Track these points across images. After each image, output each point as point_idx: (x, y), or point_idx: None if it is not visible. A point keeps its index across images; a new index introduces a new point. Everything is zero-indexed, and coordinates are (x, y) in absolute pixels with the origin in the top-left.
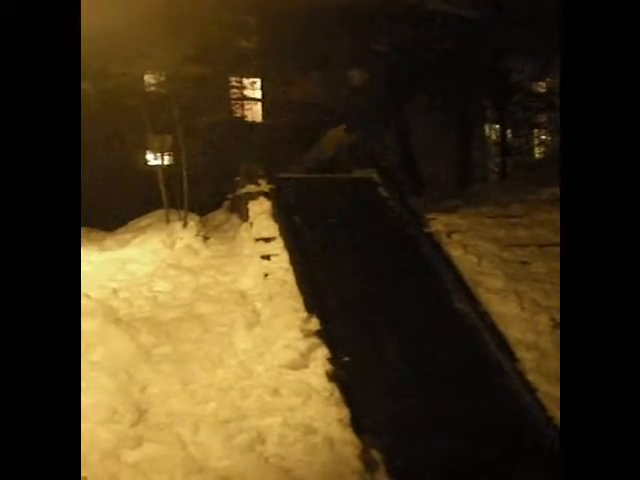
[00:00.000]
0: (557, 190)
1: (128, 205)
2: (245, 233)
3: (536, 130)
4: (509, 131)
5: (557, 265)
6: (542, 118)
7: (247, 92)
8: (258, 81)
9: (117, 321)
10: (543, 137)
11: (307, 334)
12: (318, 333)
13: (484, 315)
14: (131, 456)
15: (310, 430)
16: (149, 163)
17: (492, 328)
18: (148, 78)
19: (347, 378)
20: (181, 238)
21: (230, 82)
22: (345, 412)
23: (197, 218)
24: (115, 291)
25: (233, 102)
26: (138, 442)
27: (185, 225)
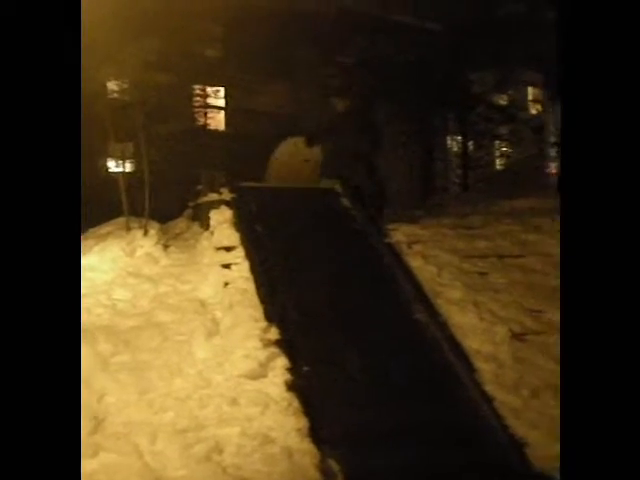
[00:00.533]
0: (516, 202)
1: (88, 212)
2: (206, 242)
3: (497, 142)
4: (471, 143)
5: (516, 276)
6: (503, 130)
7: (210, 100)
8: (222, 90)
9: None
10: (504, 149)
11: (267, 344)
12: (278, 343)
13: (443, 326)
14: (88, 465)
15: (268, 440)
16: (110, 170)
17: (451, 339)
18: (111, 85)
19: (306, 388)
20: (141, 246)
21: (194, 90)
22: (303, 422)
23: (158, 226)
24: None
25: (196, 110)
26: (95, 451)
27: (146, 233)
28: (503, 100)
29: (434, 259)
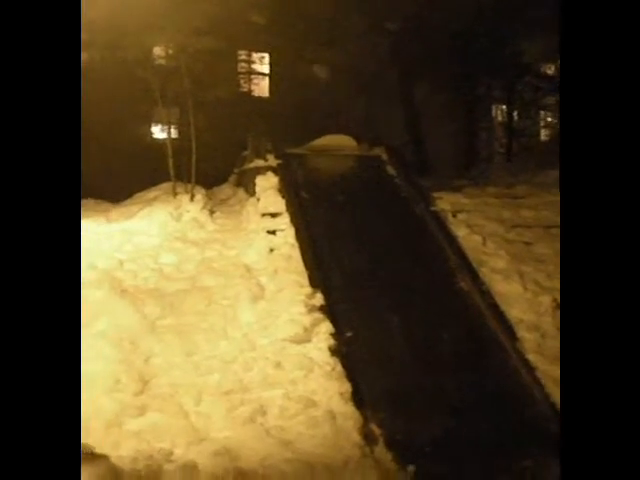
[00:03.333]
0: None
1: (135, 177)
2: (251, 208)
3: (543, 112)
4: (516, 112)
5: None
6: (549, 100)
7: (255, 66)
8: (266, 56)
9: (122, 292)
10: (549, 119)
11: (311, 309)
12: (322, 308)
13: (487, 294)
14: (134, 425)
15: (311, 403)
16: (156, 136)
17: (494, 307)
18: (158, 50)
19: (349, 353)
20: (188, 211)
21: (239, 56)
22: (346, 386)
23: (204, 192)
24: (121, 262)
25: (241, 76)
26: (141, 411)
27: (192, 198)
28: (551, 70)
29: (479, 228)
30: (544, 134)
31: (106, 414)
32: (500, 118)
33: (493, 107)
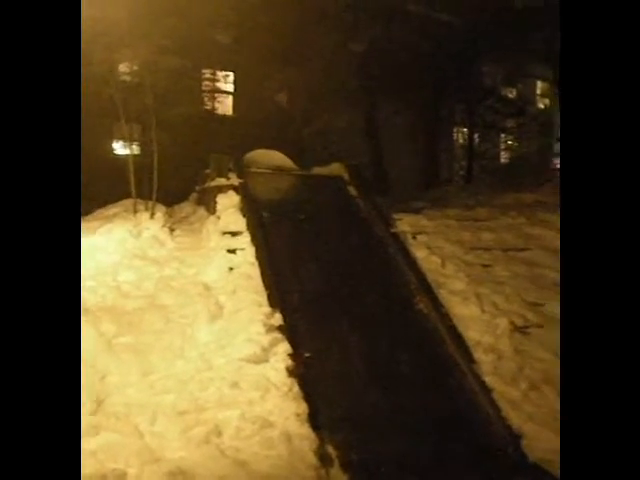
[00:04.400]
0: (522, 196)
1: (96, 193)
2: (212, 226)
3: (503, 135)
4: (476, 135)
5: (519, 269)
6: (510, 123)
7: (220, 85)
8: (231, 74)
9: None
10: (510, 142)
11: (269, 329)
12: (280, 328)
13: (445, 316)
14: (89, 444)
15: (267, 424)
16: (117, 152)
17: (452, 329)
18: (122, 67)
19: (307, 374)
20: (148, 228)
21: (203, 74)
22: (303, 407)
23: (164, 209)
24: None
25: (205, 94)
26: (96, 430)
27: (152, 216)
28: (511, 93)
29: (439, 250)
30: (504, 157)
31: None
32: (461, 140)
33: (454, 129)
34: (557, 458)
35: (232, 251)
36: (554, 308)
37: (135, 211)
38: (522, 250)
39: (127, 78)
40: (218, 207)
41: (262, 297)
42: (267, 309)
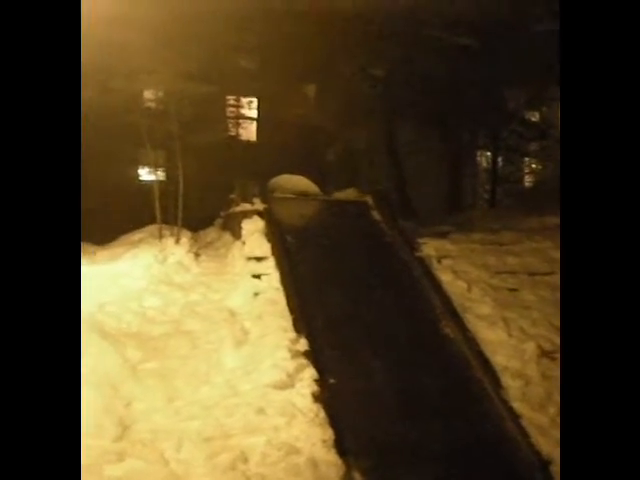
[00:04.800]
0: (546, 219)
1: (121, 219)
2: (237, 251)
3: (527, 159)
4: (500, 159)
5: (545, 293)
6: (533, 147)
7: (244, 111)
8: (255, 100)
9: (104, 335)
10: (533, 166)
11: (295, 354)
12: (306, 354)
13: (472, 341)
14: (113, 471)
15: (293, 450)
16: (142, 178)
17: (479, 354)
18: (147, 93)
19: (332, 400)
20: (173, 254)
21: (228, 100)
22: (329, 433)
23: (189, 234)
24: (103, 305)
25: (229, 120)
26: (120, 457)
27: (177, 241)
28: (535, 117)
29: (464, 274)
30: (528, 180)
31: (85, 459)
32: (485, 164)
33: (478, 153)
34: None
35: (257, 276)
36: None
37: (160, 236)
38: (548, 274)
39: (152, 105)
40: (243, 232)
41: (287, 322)
42: (292, 334)
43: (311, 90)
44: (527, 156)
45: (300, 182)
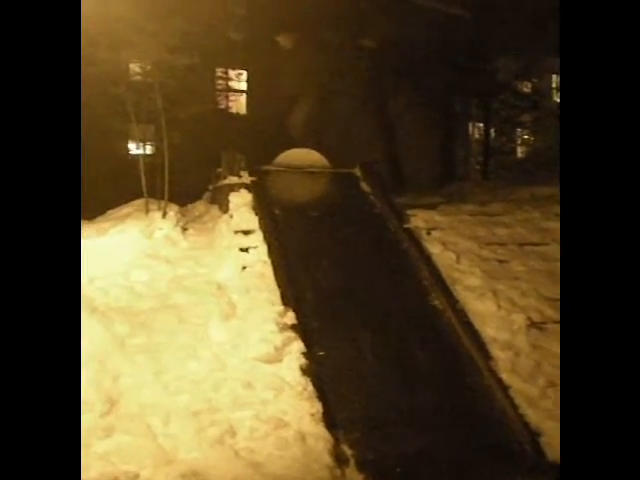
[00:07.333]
0: (537, 190)
1: (108, 194)
2: (224, 225)
3: (519, 130)
4: (492, 130)
5: (535, 264)
6: (526, 118)
7: (232, 83)
8: (244, 73)
9: (92, 310)
10: (526, 137)
11: (283, 328)
12: (294, 327)
13: (460, 313)
14: (101, 446)
15: (282, 424)
16: (131, 152)
17: (468, 326)
18: (133, 66)
19: (321, 373)
20: (160, 228)
21: (216, 73)
22: (317, 407)
23: (177, 208)
24: (91, 280)
25: (218, 93)
26: (108, 432)
27: (164, 215)
28: (527, 87)
29: (453, 246)
30: (520, 151)
31: None
32: (477, 136)
33: (470, 125)
34: None
35: (245, 250)
36: None
37: (147, 211)
38: (538, 245)
39: (138, 78)
40: (230, 206)
41: (275, 296)
42: (280, 307)
43: (300, 61)
44: (519, 127)
45: (308, 156)
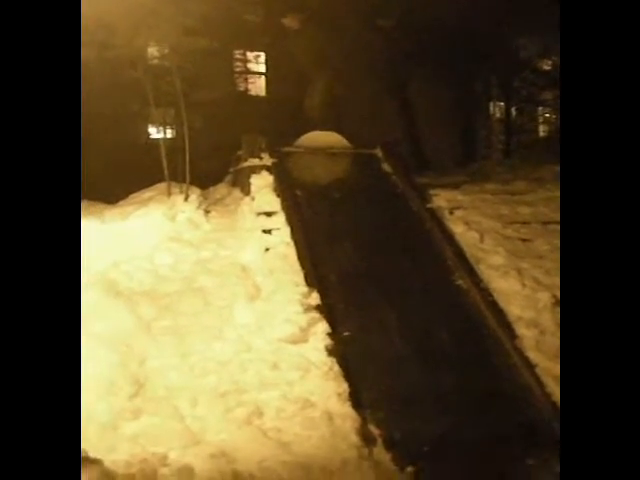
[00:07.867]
0: (558, 167)
1: (130, 178)
2: (247, 207)
3: (540, 108)
4: (514, 109)
5: (558, 242)
6: (547, 96)
7: (251, 66)
8: (262, 55)
9: (117, 294)
10: (547, 115)
11: (307, 308)
12: (318, 308)
13: (485, 292)
14: (129, 428)
15: (308, 404)
16: (151, 136)
17: (493, 305)
18: (152, 50)
19: (346, 353)
20: (183, 211)
21: (234, 55)
22: (344, 386)
23: (199, 191)
24: (116, 264)
25: (237, 75)
26: (136, 415)
27: (187, 198)
28: (547, 65)
29: (476, 225)
30: (542, 130)
31: (100, 418)
32: (498, 115)
33: (491, 104)
34: None
35: (268, 231)
36: None
37: (169, 194)
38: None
39: (156, 62)
40: (252, 188)
41: (299, 277)
42: (304, 288)
43: (314, 42)
44: (541, 105)
45: (329, 137)
